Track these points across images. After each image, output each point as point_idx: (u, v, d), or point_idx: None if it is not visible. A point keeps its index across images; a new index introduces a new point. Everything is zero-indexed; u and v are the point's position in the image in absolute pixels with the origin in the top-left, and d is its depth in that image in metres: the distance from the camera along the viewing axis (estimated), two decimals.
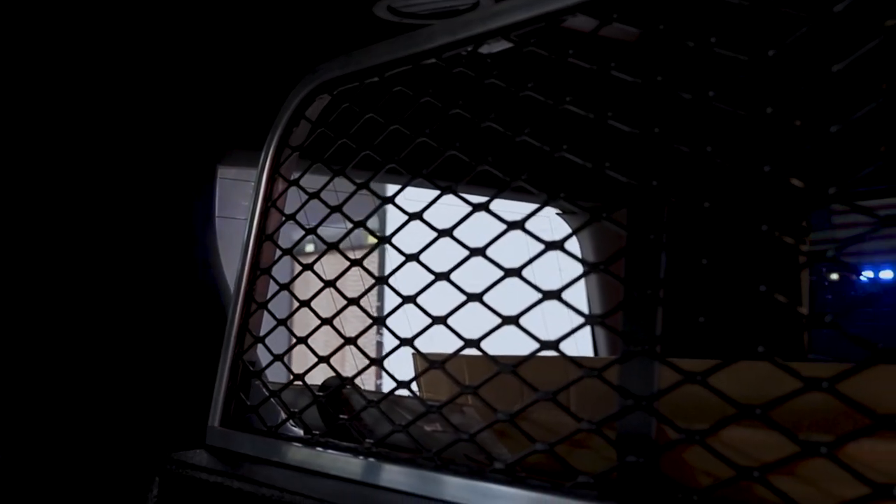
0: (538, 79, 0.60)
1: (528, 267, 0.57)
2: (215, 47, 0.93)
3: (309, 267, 0.75)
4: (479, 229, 0.63)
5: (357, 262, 0.71)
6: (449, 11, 0.74)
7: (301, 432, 0.73)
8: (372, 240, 0.73)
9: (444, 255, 0.64)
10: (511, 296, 0.60)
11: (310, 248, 0.85)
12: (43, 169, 0.88)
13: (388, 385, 0.65)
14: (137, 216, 0.93)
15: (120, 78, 0.92)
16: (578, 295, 1.49)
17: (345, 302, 0.70)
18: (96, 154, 0.91)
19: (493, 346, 0.59)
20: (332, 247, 0.72)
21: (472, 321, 0.61)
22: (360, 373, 0.68)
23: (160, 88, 0.95)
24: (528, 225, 0.58)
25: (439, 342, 0.66)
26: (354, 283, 0.73)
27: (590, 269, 0.54)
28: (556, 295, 0.55)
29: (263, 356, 0.79)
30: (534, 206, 0.60)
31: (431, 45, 0.67)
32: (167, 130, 0.96)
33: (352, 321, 0.74)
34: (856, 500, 0.41)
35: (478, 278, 0.62)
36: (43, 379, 0.86)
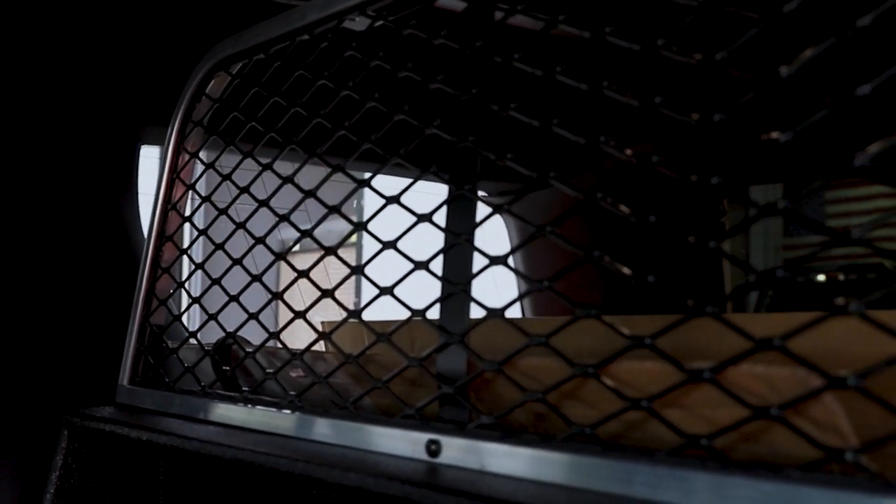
0: (392, 52, 0.65)
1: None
2: (125, 30, 0.98)
3: (219, 246, 0.80)
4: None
5: (306, 272, 0.73)
6: None
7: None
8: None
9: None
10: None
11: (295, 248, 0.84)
12: None
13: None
14: (55, 190, 0.99)
15: (34, 58, 0.98)
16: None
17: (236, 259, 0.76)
18: (12, 133, 0.96)
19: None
20: (281, 256, 0.76)
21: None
22: (240, 327, 0.74)
23: (77, 70, 1.00)
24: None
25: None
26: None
27: (418, 219, 0.59)
28: (392, 245, 0.60)
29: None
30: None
31: (303, 22, 0.72)
32: (85, 111, 1.01)
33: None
34: (615, 413, 0.46)
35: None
36: None
